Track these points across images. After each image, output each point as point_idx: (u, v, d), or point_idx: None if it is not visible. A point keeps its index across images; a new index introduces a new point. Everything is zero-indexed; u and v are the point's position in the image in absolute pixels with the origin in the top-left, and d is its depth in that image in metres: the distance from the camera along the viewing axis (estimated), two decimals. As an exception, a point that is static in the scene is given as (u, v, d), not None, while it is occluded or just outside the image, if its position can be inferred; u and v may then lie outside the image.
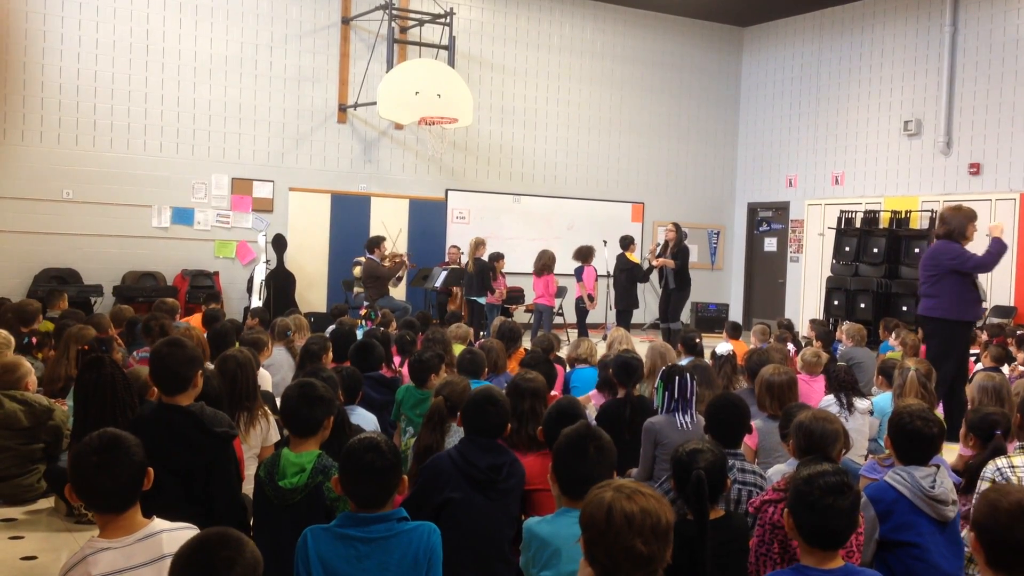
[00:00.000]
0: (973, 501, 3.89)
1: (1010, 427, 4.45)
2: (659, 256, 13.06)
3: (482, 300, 12.57)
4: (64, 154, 12.59)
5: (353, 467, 3.02)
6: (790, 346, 9.08)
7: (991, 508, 2.57)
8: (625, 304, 13.03)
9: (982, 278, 11.21)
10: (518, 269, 15.18)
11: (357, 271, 13.03)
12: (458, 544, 3.39)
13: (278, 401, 5.64)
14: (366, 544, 2.98)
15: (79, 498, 2.82)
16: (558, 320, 13.58)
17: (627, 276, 13.07)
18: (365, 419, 4.99)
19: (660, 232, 17.06)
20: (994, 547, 2.55)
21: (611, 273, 13.58)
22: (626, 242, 13.30)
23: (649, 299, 15.66)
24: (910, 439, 3.68)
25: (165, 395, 3.84)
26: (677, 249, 12.89)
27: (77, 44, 12.63)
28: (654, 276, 13.57)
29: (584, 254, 12.95)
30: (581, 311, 12.92)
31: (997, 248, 7.43)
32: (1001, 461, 4.00)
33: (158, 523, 2.81)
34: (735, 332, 10.18)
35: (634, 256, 13.29)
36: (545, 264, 12.54)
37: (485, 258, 12.76)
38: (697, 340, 8.24)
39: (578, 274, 12.87)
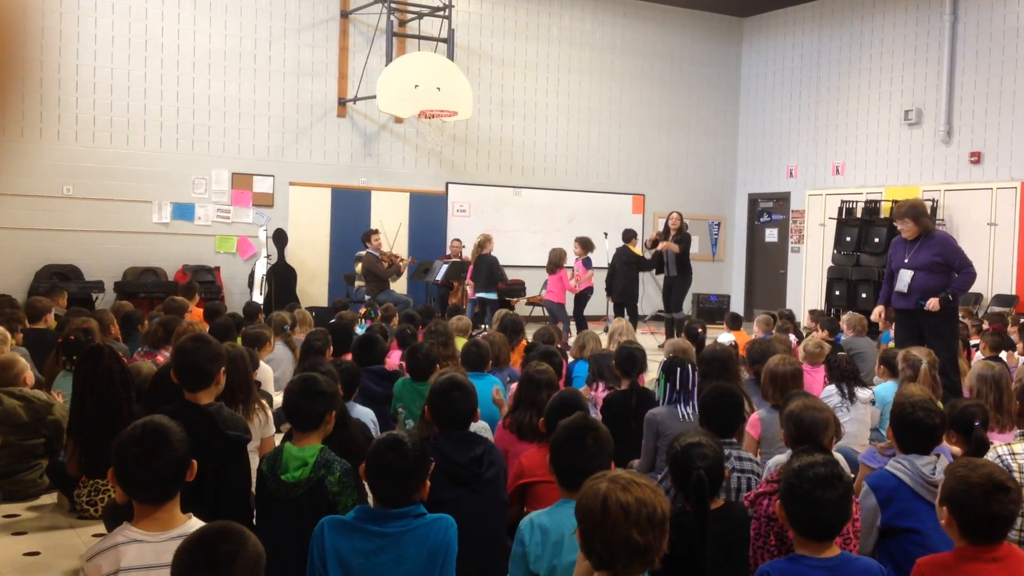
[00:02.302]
0: None
1: (987, 418, 4.43)
2: (657, 243, 13.01)
3: (492, 296, 12.54)
4: (64, 150, 12.59)
5: (374, 465, 3.02)
6: (792, 336, 9.08)
7: (963, 484, 2.76)
8: (626, 296, 12.98)
9: (983, 268, 11.21)
10: (519, 262, 15.20)
11: (359, 268, 13.06)
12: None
13: (278, 396, 5.65)
14: (383, 538, 2.97)
15: (120, 486, 2.82)
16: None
17: (631, 268, 12.98)
18: (362, 415, 4.99)
19: (661, 223, 17.03)
20: (969, 519, 2.74)
21: (611, 265, 13.51)
22: (628, 235, 13.24)
23: (651, 291, 15.67)
24: (912, 429, 3.69)
25: (188, 391, 3.87)
26: (680, 235, 12.87)
27: (76, 40, 12.62)
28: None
29: (586, 243, 12.91)
30: (581, 300, 12.83)
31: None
32: (1002, 448, 4.01)
33: (195, 522, 2.77)
34: (735, 323, 10.17)
35: (637, 248, 13.24)
36: (553, 262, 12.48)
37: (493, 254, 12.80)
38: (700, 330, 8.25)
39: (587, 264, 12.77)
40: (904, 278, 7.36)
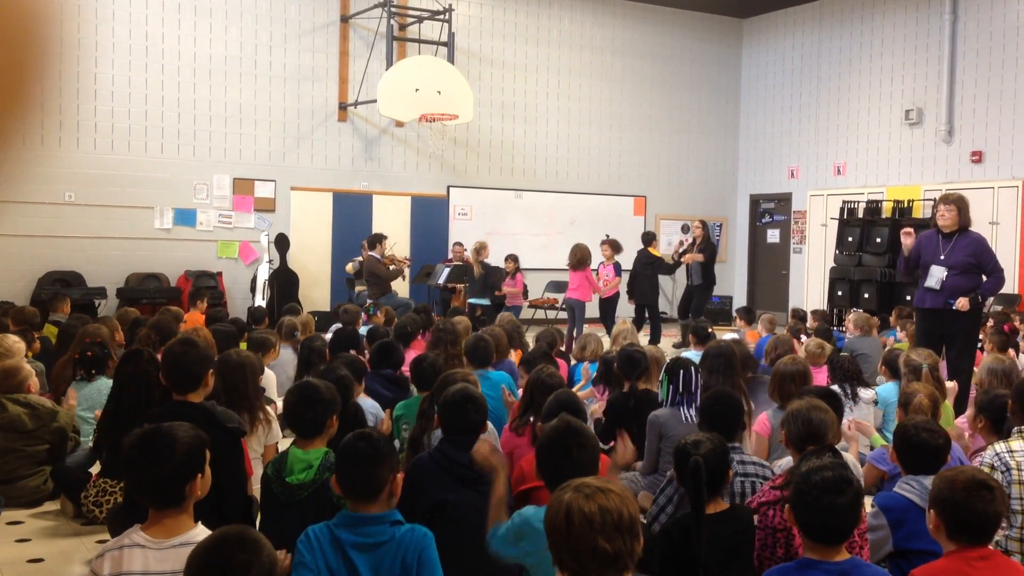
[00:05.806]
0: None
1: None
2: (684, 252, 13.08)
3: (484, 302, 12.57)
4: (66, 157, 12.60)
5: (343, 457, 3.05)
6: (803, 337, 9.08)
7: (948, 484, 2.86)
8: (645, 299, 12.87)
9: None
10: (521, 265, 15.15)
11: (349, 267, 13.10)
12: (460, 543, 3.40)
13: (279, 402, 5.67)
14: (359, 550, 2.95)
15: (126, 486, 2.84)
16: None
17: (651, 270, 12.92)
18: (367, 407, 5.03)
19: (664, 225, 17.07)
20: (954, 517, 2.82)
21: (632, 268, 13.34)
22: (648, 238, 13.18)
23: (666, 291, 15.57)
24: (916, 451, 3.67)
25: (177, 393, 3.97)
26: (705, 244, 12.90)
27: (76, 48, 12.63)
28: (680, 271, 13.58)
29: (616, 246, 12.85)
30: (610, 305, 12.70)
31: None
32: (1000, 446, 4.01)
33: (201, 530, 2.74)
34: (749, 317, 10.19)
35: (657, 251, 13.18)
36: (581, 259, 12.36)
37: (490, 260, 12.86)
38: (708, 330, 8.27)
39: (617, 270, 12.72)
40: (938, 274, 7.18)
